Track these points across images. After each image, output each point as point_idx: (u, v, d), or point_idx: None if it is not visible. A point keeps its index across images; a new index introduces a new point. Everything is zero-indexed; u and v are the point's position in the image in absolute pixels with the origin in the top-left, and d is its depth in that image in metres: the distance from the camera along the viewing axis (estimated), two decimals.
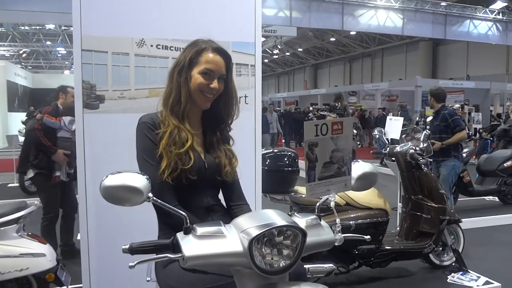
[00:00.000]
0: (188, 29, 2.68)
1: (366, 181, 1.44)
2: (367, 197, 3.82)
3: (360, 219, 3.71)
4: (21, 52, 26.10)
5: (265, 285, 1.17)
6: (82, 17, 2.49)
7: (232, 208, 1.76)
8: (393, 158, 4.32)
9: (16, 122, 15.75)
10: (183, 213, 1.24)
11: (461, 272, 3.99)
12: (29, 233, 3.17)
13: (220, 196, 1.81)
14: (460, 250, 4.20)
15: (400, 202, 4.71)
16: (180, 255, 1.16)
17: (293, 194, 3.58)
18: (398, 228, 4.26)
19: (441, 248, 4.15)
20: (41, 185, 4.41)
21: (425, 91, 16.59)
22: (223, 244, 1.16)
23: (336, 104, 10.16)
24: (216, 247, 1.16)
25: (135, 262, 1.17)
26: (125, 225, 2.42)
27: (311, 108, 17.68)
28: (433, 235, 3.93)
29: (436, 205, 3.99)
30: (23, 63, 28.77)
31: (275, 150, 3.78)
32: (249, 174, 2.80)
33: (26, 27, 21.06)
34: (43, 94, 15.47)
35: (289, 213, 1.33)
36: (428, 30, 11.42)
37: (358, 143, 9.15)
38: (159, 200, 1.26)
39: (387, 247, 3.80)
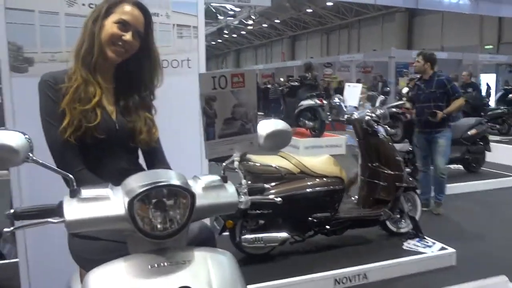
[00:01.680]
0: None
1: (277, 140, 1.35)
2: (322, 165, 3.79)
3: (315, 187, 3.68)
4: None
5: (157, 250, 1.09)
6: None
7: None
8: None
9: None
10: (69, 175, 1.14)
11: (417, 239, 4.02)
12: None
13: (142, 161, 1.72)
14: (417, 218, 4.22)
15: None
16: (62, 219, 1.07)
17: (245, 162, 3.50)
18: (357, 197, 4.26)
19: (398, 216, 4.17)
20: None
21: (399, 62, 16.59)
22: (106, 206, 1.07)
23: (307, 75, 10.06)
24: (98, 211, 1.07)
25: (11, 228, 1.07)
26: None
27: (281, 79, 17.47)
28: (389, 203, 3.93)
29: (392, 172, 3.98)
30: None
31: None
32: (193, 141, 2.70)
33: None
34: None
35: (195, 176, 1.23)
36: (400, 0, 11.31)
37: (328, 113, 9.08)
38: (40, 161, 1.15)
39: (342, 215, 3.79)
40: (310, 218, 3.66)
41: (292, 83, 10.41)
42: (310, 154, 9.06)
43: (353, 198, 4.24)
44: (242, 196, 1.22)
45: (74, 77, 1.52)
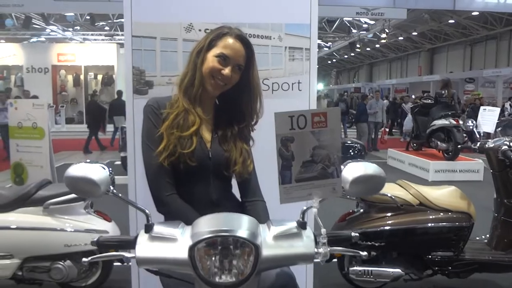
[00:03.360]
0: (238, 12, 2.57)
1: (366, 186, 1.19)
2: (447, 197, 3.40)
3: (437, 222, 3.31)
4: None
5: None
6: (133, 3, 2.51)
7: (245, 205, 1.64)
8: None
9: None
10: (146, 210, 1.15)
11: None
12: (96, 210, 3.36)
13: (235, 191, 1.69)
14: None
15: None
16: (133, 255, 1.08)
17: None
18: (488, 235, 3.73)
19: None
20: None
21: None
22: (172, 248, 1.05)
23: (443, 92, 9.30)
24: (165, 251, 1.05)
25: (89, 258, 1.12)
26: None
27: (413, 97, 16.34)
28: None
29: None
30: None
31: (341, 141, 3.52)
32: None
33: None
34: None
35: (269, 221, 1.15)
36: None
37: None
38: (120, 195, 1.18)
39: (468, 256, 3.34)
40: (429, 256, 3.30)
41: (425, 101, 9.69)
42: (441, 178, 8.33)
43: (483, 237, 3.73)
44: (321, 247, 1.09)
45: (176, 105, 1.56)
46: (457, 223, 3.31)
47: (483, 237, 3.74)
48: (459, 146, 7.85)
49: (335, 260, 3.37)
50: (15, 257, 3.18)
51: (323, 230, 1.10)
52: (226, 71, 1.53)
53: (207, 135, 1.60)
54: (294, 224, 1.12)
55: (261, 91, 1.65)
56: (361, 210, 3.46)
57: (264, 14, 2.61)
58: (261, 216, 1.54)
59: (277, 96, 2.66)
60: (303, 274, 2.77)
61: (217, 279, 1.00)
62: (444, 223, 3.31)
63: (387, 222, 3.31)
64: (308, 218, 1.16)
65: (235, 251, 1.01)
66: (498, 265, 3.43)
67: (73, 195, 3.17)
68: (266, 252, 1.04)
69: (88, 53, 17.92)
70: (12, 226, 3.20)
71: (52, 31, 20.64)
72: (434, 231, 3.30)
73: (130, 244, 1.14)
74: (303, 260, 1.11)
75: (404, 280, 3.38)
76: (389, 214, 3.33)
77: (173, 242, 1.06)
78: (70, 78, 18.22)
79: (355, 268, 3.29)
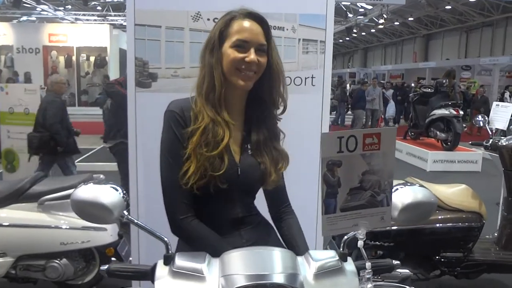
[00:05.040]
0: (249, 0, 2.40)
1: (416, 213, 1.06)
2: (457, 196, 3.30)
3: (447, 222, 3.21)
4: None
5: None
6: None
7: (279, 213, 1.50)
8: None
9: None
10: (165, 238, 1.01)
11: None
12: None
13: (257, 202, 1.53)
14: None
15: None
16: None
17: None
18: (496, 235, 3.65)
19: None
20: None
21: None
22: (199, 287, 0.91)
23: (444, 81, 9.19)
24: None
25: None
26: None
27: (412, 84, 16.15)
28: None
29: None
30: None
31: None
32: (313, 169, 2.43)
33: None
34: None
35: (307, 254, 1.01)
36: None
37: (464, 125, 8.17)
38: (135, 221, 1.04)
39: (477, 257, 3.26)
40: (437, 257, 3.21)
41: (425, 90, 9.57)
42: (439, 168, 8.27)
43: (490, 236, 3.64)
44: (365, 283, 0.96)
45: (200, 117, 1.34)
46: (467, 223, 3.22)
47: (490, 236, 3.66)
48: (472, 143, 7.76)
49: None
50: (8, 255, 3.04)
51: (367, 264, 0.96)
52: (251, 56, 1.31)
53: (235, 146, 1.40)
54: (334, 256, 0.98)
55: (283, 71, 1.43)
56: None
57: (277, 3, 2.44)
58: (295, 229, 1.44)
59: (289, 91, 2.49)
60: None
61: None
62: (454, 223, 3.21)
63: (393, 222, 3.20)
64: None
65: None
66: (507, 266, 3.35)
67: (70, 191, 3.01)
68: None
69: (81, 34, 17.46)
70: (4, 223, 3.05)
71: (43, 10, 20.11)
72: (443, 231, 3.21)
73: (146, 275, 1.00)
74: None
75: (412, 280, 3.29)
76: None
77: (200, 282, 0.92)
78: (61, 59, 17.77)
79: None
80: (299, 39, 2.49)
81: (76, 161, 7.60)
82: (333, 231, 0.99)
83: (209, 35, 1.43)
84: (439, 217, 3.23)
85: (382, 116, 13.84)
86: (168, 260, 0.98)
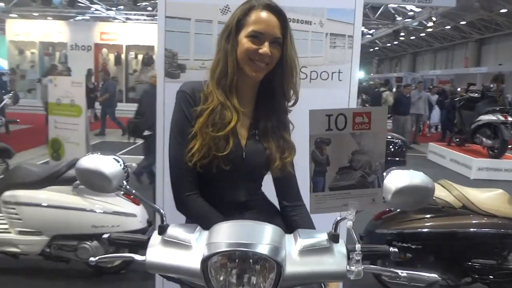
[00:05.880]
0: None
1: (411, 197, 1.03)
2: (493, 201, 3.17)
3: (481, 227, 3.09)
4: None
5: None
6: None
7: (287, 209, 1.48)
8: None
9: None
10: (161, 210, 1.05)
11: None
12: (124, 193, 3.33)
13: (265, 189, 1.55)
14: None
15: None
16: (144, 258, 0.98)
17: None
18: None
19: None
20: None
21: None
22: (185, 256, 0.94)
23: (491, 85, 8.82)
24: (177, 258, 0.94)
25: (96, 258, 1.04)
26: None
27: (458, 89, 15.49)
28: None
29: None
30: None
31: None
32: None
33: None
34: None
35: (297, 231, 1.01)
36: None
37: None
38: (133, 191, 1.09)
39: None
40: (469, 263, 3.09)
41: (471, 94, 9.20)
42: (484, 176, 7.94)
43: None
44: (354, 264, 0.96)
45: (210, 98, 1.38)
46: (502, 230, 3.09)
47: None
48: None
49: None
50: (43, 234, 3.21)
51: (357, 246, 0.95)
52: (264, 48, 1.33)
53: (243, 131, 1.42)
54: (325, 236, 0.98)
55: (297, 66, 1.44)
56: (398, 210, 3.28)
57: None
58: (307, 227, 1.39)
59: (315, 86, 2.51)
60: None
61: None
62: (489, 229, 3.09)
63: (426, 224, 3.12)
64: (340, 229, 1.02)
65: (255, 266, 0.89)
66: None
67: None
68: (290, 268, 0.91)
69: (130, 32, 18.08)
70: (43, 204, 3.22)
71: (96, 9, 20.96)
72: (477, 237, 3.10)
73: (143, 245, 1.04)
74: (333, 278, 0.98)
75: (440, 286, 3.20)
76: (428, 216, 3.13)
77: (187, 249, 0.95)
78: (111, 56, 18.49)
79: None
80: (327, 34, 2.48)
81: (120, 152, 7.92)
82: (321, 210, 0.99)
83: (227, 22, 1.46)
84: (473, 221, 3.12)
85: (428, 122, 13.43)
86: (162, 230, 1.02)
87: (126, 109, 13.39)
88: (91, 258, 1.04)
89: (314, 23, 2.47)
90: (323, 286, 1.21)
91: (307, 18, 2.45)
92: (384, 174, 1.04)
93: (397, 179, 1.01)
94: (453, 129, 10.35)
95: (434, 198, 3.09)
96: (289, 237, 0.98)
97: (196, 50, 2.46)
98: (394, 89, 14.72)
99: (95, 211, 3.18)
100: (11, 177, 3.39)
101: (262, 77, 1.39)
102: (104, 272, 3.45)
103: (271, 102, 1.46)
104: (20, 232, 3.22)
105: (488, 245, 3.10)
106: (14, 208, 3.23)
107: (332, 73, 2.52)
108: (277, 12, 1.38)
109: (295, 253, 0.94)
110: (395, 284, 3.16)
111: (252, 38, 1.34)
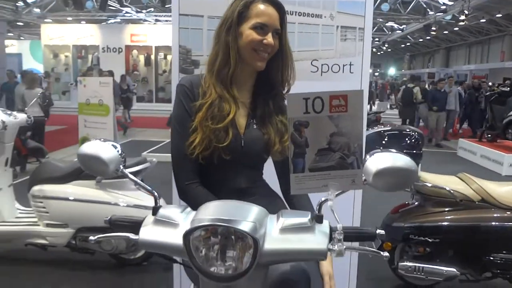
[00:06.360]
0: None
1: (393, 180, 1.05)
2: None
3: (502, 221, 3.03)
4: None
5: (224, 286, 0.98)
6: None
7: (287, 192, 1.49)
8: None
9: None
10: (155, 193, 1.12)
11: None
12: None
13: (265, 176, 1.60)
14: None
15: None
16: (138, 237, 1.05)
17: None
18: None
19: None
20: None
21: None
22: (172, 233, 1.00)
23: None
24: (165, 236, 1.00)
25: (96, 237, 1.11)
26: None
27: (490, 84, 14.98)
28: None
29: None
30: None
31: (396, 128, 3.30)
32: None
33: None
34: None
35: (281, 212, 1.05)
36: None
37: None
38: (129, 175, 1.16)
39: None
40: (490, 258, 3.03)
41: (503, 88, 8.93)
42: None
43: None
44: (336, 244, 0.99)
45: (208, 92, 1.44)
46: None
47: None
48: None
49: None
50: (69, 226, 3.35)
51: (339, 226, 0.98)
52: (268, 39, 1.40)
53: (242, 120, 1.48)
54: (307, 217, 1.02)
55: (292, 55, 1.52)
56: (416, 203, 3.25)
57: None
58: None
59: (326, 79, 2.53)
60: (347, 264, 2.65)
61: (213, 269, 0.94)
62: (509, 223, 3.02)
63: (444, 217, 3.09)
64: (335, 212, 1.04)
65: (236, 242, 0.93)
66: None
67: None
68: (269, 245, 0.95)
69: (159, 34, 18.44)
70: (70, 198, 3.36)
71: (126, 12, 21.46)
72: (496, 231, 3.04)
73: (139, 226, 1.10)
74: (314, 256, 1.01)
75: (460, 281, 3.16)
76: (446, 209, 3.10)
77: (174, 227, 1.01)
78: (141, 58, 18.91)
79: (405, 263, 3.12)
80: (337, 26, 2.50)
81: (146, 152, 8.11)
82: (302, 190, 1.02)
83: (225, 14, 1.50)
84: (493, 215, 3.06)
85: (458, 117, 13.08)
86: (155, 211, 1.09)
87: (156, 109, 13.66)
88: (91, 237, 1.11)
89: (325, 16, 2.49)
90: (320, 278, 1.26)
91: (317, 11, 2.47)
92: (368, 156, 1.07)
93: (379, 161, 1.04)
94: (477, 125, 10.10)
95: (452, 191, 3.06)
96: (272, 217, 1.02)
97: (209, 46, 2.50)
98: (426, 85, 14.32)
99: (118, 205, 3.30)
100: (39, 172, 3.56)
101: (264, 67, 1.45)
102: (127, 264, 3.57)
103: (269, 91, 1.52)
104: (48, 225, 3.38)
105: (509, 239, 3.04)
106: (41, 202, 3.40)
107: (344, 65, 2.54)
108: (277, 5, 1.45)
109: (275, 232, 0.98)
110: (412, 278, 3.14)
111: (256, 29, 1.41)
